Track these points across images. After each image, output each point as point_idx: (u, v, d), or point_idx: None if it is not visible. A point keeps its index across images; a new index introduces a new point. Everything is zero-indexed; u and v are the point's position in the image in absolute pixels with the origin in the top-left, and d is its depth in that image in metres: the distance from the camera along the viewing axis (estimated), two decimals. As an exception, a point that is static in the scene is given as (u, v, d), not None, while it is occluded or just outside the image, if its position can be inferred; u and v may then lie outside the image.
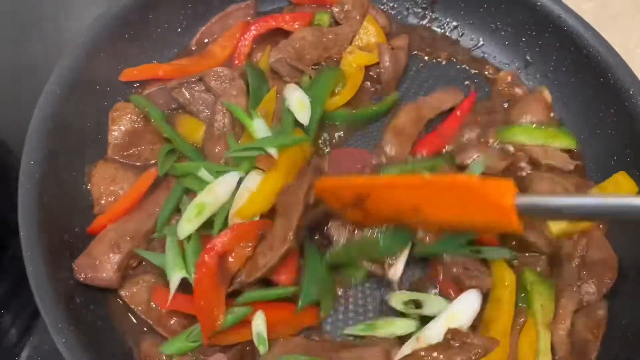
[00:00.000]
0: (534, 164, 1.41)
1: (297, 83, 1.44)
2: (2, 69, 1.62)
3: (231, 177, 1.23)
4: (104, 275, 1.17)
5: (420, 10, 1.68)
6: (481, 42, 1.65)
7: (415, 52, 1.63)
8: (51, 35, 1.67)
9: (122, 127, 1.36)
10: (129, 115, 1.37)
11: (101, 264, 1.17)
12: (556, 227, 1.28)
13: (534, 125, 1.46)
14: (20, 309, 1.30)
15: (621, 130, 1.40)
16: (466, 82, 1.59)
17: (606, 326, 1.22)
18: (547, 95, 1.53)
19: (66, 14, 1.75)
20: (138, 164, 1.35)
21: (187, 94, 1.40)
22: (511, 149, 1.42)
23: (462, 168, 1.38)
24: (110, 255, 1.18)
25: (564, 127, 1.50)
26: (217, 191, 1.21)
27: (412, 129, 1.45)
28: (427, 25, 1.68)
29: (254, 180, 1.23)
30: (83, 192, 1.29)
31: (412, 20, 1.68)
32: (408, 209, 1.03)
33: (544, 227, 1.27)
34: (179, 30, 1.55)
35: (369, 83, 1.55)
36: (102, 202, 1.28)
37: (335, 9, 1.59)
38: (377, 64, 1.53)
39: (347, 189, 1.12)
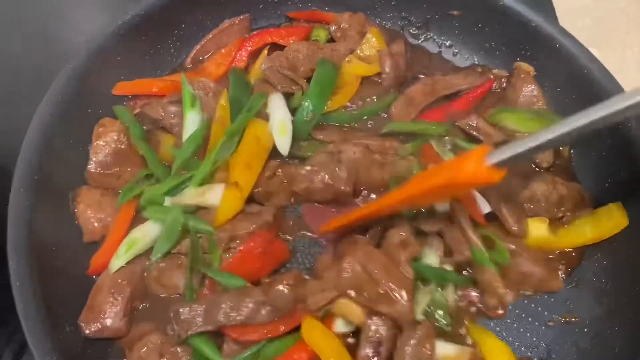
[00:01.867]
0: None
1: (290, 93, 1.43)
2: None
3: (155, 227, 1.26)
4: (110, 324, 1.16)
5: (415, 29, 1.68)
6: (476, 61, 1.64)
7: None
8: (47, 52, 1.67)
9: (105, 144, 1.32)
10: (115, 134, 1.33)
11: (105, 314, 1.16)
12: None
13: (528, 112, 1.47)
14: (13, 334, 1.30)
15: (614, 151, 1.39)
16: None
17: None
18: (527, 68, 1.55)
19: (63, 30, 1.75)
20: (119, 190, 1.33)
21: (159, 109, 1.38)
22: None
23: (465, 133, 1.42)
24: (113, 303, 1.17)
25: (557, 118, 1.46)
26: (147, 228, 1.24)
27: (421, 98, 1.49)
28: (422, 44, 1.68)
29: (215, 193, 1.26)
30: (72, 217, 1.30)
31: (407, 39, 1.68)
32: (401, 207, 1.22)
33: None
34: (172, 50, 1.56)
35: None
36: (91, 230, 1.27)
37: (332, 27, 1.60)
38: (378, 73, 1.53)
39: (350, 221, 1.23)
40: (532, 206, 1.35)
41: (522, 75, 1.54)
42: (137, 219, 1.29)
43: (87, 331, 1.15)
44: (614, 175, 1.39)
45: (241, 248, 1.21)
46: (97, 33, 1.40)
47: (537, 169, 1.44)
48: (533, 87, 1.52)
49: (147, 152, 1.33)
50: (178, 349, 1.16)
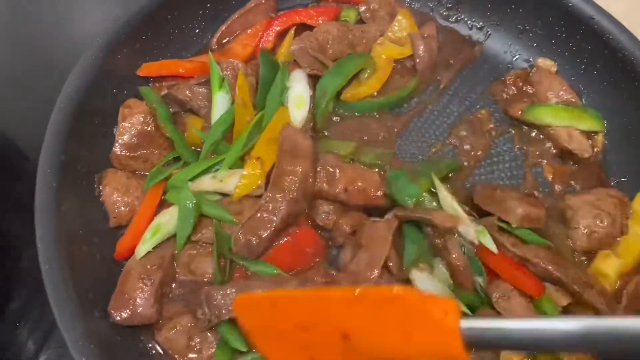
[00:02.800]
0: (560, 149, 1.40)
1: (317, 75, 1.38)
2: (17, 71, 1.59)
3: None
4: (141, 311, 1.11)
5: (444, 10, 1.63)
6: (509, 44, 1.59)
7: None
8: (68, 36, 1.64)
9: (131, 126, 1.27)
10: (141, 115, 1.29)
11: (135, 300, 1.12)
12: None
13: (560, 105, 1.44)
14: (37, 321, 1.27)
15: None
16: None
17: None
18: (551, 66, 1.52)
19: (82, 14, 1.72)
20: (145, 173, 1.29)
21: (186, 91, 1.34)
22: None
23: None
24: (142, 289, 1.13)
25: (590, 109, 1.46)
26: (173, 212, 1.19)
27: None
28: (452, 25, 1.63)
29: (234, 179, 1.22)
30: (99, 201, 1.25)
31: (437, 21, 1.62)
32: (334, 336, 0.84)
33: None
34: (197, 31, 1.51)
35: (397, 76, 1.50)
36: (118, 214, 1.23)
37: (362, 8, 1.55)
38: (410, 56, 1.49)
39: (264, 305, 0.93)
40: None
41: (544, 72, 1.51)
42: (164, 203, 1.25)
43: (118, 318, 1.11)
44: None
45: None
46: (122, 12, 1.35)
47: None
48: (558, 81, 1.49)
49: (175, 134, 1.28)
50: (208, 332, 1.13)
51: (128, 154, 1.28)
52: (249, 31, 1.51)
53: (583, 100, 1.49)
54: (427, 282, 1.14)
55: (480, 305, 1.16)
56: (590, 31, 1.44)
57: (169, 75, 1.39)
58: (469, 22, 1.62)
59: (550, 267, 1.16)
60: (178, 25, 1.46)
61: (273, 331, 0.91)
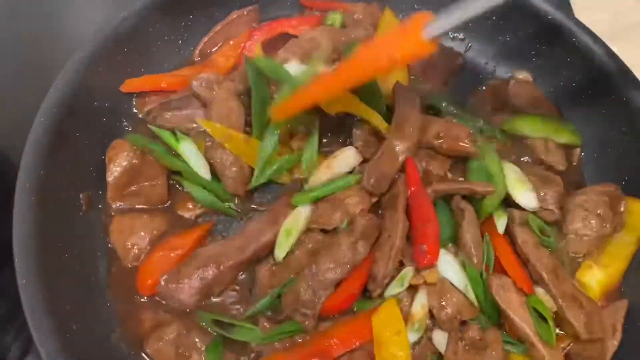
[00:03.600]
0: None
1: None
2: (5, 78, 1.60)
3: (304, 210, 1.25)
4: (181, 298, 1.18)
5: (427, 21, 1.64)
6: (490, 55, 1.61)
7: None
8: (52, 43, 1.64)
9: (119, 167, 1.29)
10: (126, 152, 1.30)
11: (183, 287, 1.18)
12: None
13: (538, 117, 1.45)
14: (20, 330, 1.28)
15: (633, 150, 1.37)
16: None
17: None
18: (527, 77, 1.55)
19: (71, 19, 1.73)
20: (145, 206, 1.31)
21: (170, 117, 1.35)
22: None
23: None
24: (196, 281, 1.18)
25: (568, 123, 1.48)
26: (299, 218, 1.23)
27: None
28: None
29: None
30: (80, 216, 1.27)
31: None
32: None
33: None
34: (180, 42, 1.53)
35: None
36: (132, 255, 1.25)
37: (347, 17, 1.57)
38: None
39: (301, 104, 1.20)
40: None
41: (521, 83, 1.53)
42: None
43: (160, 293, 1.19)
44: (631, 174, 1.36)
45: None
46: (104, 23, 1.37)
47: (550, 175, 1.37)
48: (535, 93, 1.51)
49: (181, 166, 1.30)
50: (196, 339, 1.15)
51: (121, 192, 1.30)
52: (231, 42, 1.52)
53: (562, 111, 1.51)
54: (451, 264, 1.19)
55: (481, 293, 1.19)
56: (569, 45, 1.46)
57: (151, 90, 1.41)
58: (450, 33, 1.64)
59: (544, 274, 1.19)
60: (160, 37, 1.47)
61: None
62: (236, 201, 1.33)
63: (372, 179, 1.26)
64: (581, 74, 1.46)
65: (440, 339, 1.15)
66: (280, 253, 1.20)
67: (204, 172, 1.30)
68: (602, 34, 1.45)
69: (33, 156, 1.18)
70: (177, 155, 1.32)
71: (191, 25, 1.52)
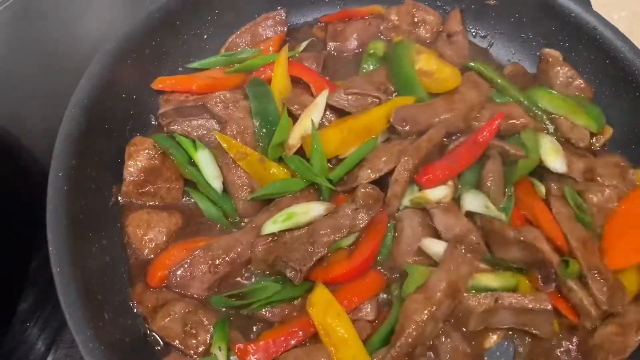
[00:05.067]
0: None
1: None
2: (30, 75, 1.61)
3: (320, 207, 1.23)
4: (193, 289, 1.20)
5: (448, 18, 1.65)
6: (512, 52, 1.62)
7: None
8: (80, 40, 1.65)
9: (138, 163, 1.29)
10: (146, 151, 1.30)
11: (194, 279, 1.19)
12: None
13: (559, 94, 1.45)
14: (47, 321, 1.29)
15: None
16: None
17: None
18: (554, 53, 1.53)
19: (94, 18, 1.74)
20: (157, 203, 1.32)
21: (184, 127, 1.36)
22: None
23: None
24: (206, 274, 1.19)
25: (593, 107, 1.46)
26: (310, 209, 1.22)
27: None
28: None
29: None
30: (110, 207, 1.29)
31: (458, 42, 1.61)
32: None
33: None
34: (206, 37, 1.53)
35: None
36: (148, 249, 1.25)
37: (384, 26, 1.58)
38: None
39: None
40: None
41: (551, 60, 1.51)
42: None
43: (171, 282, 1.20)
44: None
45: None
46: (132, 18, 1.38)
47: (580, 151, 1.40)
48: (566, 68, 1.50)
49: (195, 176, 1.31)
50: (202, 317, 1.16)
51: (137, 190, 1.30)
52: (261, 47, 1.52)
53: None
54: (474, 197, 1.25)
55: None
56: (592, 41, 1.46)
57: (182, 91, 1.41)
58: (472, 30, 1.65)
59: (573, 243, 1.21)
60: (186, 31, 1.48)
61: None
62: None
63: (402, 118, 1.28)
64: (604, 70, 1.46)
65: (436, 247, 1.20)
66: (266, 229, 1.20)
67: (216, 184, 1.29)
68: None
69: (65, 145, 1.18)
70: (195, 165, 1.32)
71: (217, 20, 1.52)
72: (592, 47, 1.47)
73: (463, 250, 1.19)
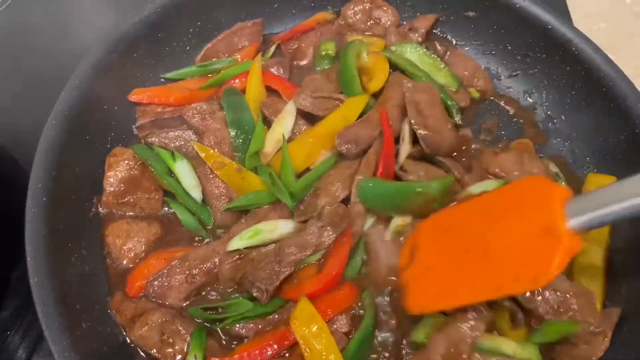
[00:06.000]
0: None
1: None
2: (16, 82, 1.63)
3: (288, 225, 1.25)
4: (170, 299, 1.21)
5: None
6: (488, 63, 1.64)
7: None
8: (63, 50, 1.66)
9: (118, 174, 1.31)
10: (126, 162, 1.33)
11: (171, 289, 1.21)
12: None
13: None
14: (28, 330, 1.30)
15: (632, 156, 1.39)
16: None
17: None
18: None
19: (81, 25, 1.75)
20: (136, 213, 1.33)
21: (160, 138, 1.37)
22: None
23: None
24: (183, 285, 1.21)
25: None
26: (277, 227, 1.24)
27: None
28: (435, 43, 1.66)
29: None
30: (90, 217, 1.31)
31: (415, 38, 1.64)
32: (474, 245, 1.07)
33: None
34: (188, 48, 1.56)
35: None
36: (128, 258, 1.27)
37: (338, 22, 1.62)
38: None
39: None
40: None
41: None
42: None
43: (150, 292, 1.21)
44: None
45: None
46: (113, 28, 1.40)
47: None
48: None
49: (174, 186, 1.32)
50: (179, 327, 1.17)
51: (117, 200, 1.32)
52: (237, 55, 1.54)
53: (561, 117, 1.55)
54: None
55: None
56: (568, 53, 1.48)
57: (159, 103, 1.43)
58: (453, 40, 1.67)
59: None
60: (168, 43, 1.51)
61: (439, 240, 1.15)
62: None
63: (346, 141, 1.29)
64: (580, 82, 1.48)
65: None
66: (232, 245, 1.22)
67: (195, 193, 1.31)
68: (601, 44, 1.48)
69: (45, 156, 1.20)
70: (174, 176, 1.34)
71: (199, 32, 1.55)
72: (568, 58, 1.49)
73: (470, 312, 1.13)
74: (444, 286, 1.10)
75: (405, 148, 1.31)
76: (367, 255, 1.26)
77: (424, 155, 1.34)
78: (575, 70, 1.49)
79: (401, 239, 1.24)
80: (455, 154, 1.40)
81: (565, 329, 1.15)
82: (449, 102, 1.44)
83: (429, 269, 1.14)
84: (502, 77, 1.63)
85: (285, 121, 1.34)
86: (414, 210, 1.24)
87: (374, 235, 1.26)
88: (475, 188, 1.29)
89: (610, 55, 1.46)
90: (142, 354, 1.19)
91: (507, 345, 1.12)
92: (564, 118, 1.54)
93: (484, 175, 1.38)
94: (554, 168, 1.44)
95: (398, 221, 1.24)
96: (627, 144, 1.39)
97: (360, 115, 1.35)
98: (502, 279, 1.00)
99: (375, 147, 1.30)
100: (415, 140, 1.33)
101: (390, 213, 1.26)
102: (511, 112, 1.57)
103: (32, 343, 1.30)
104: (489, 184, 1.32)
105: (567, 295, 1.18)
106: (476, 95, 1.56)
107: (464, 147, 1.41)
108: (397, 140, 1.35)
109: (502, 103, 1.59)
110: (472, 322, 1.10)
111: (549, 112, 1.56)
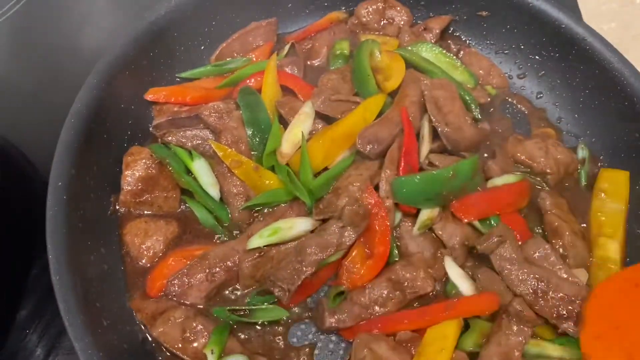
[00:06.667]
0: None
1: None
2: (30, 84, 1.63)
3: (306, 222, 1.25)
4: (190, 298, 1.21)
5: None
6: (500, 63, 1.65)
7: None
8: (80, 49, 1.66)
9: (135, 173, 1.31)
10: (144, 160, 1.33)
11: (192, 288, 1.21)
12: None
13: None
14: (46, 328, 1.31)
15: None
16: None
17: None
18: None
19: (94, 27, 1.74)
20: (154, 212, 1.34)
21: (178, 137, 1.37)
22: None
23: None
24: (204, 283, 1.21)
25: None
26: (295, 224, 1.24)
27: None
28: (448, 42, 1.66)
29: None
30: (108, 215, 1.31)
31: (429, 38, 1.64)
32: None
33: None
34: (203, 47, 1.56)
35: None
36: (143, 257, 1.28)
37: (352, 22, 1.63)
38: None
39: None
40: None
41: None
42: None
43: (169, 293, 1.21)
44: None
45: None
46: (130, 28, 1.40)
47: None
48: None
49: (191, 185, 1.33)
50: (199, 325, 1.17)
51: (134, 199, 1.32)
52: (252, 55, 1.54)
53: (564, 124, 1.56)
54: None
55: None
56: (582, 52, 1.49)
57: (175, 103, 1.43)
58: (464, 39, 1.68)
59: None
60: (184, 42, 1.51)
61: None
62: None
63: (367, 141, 1.28)
64: (594, 81, 1.49)
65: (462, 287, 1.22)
66: (252, 243, 1.22)
67: (213, 191, 1.31)
68: (612, 44, 1.49)
69: (64, 155, 1.20)
70: (191, 175, 1.34)
71: (214, 31, 1.55)
72: (581, 57, 1.50)
73: (513, 320, 1.15)
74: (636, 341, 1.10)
75: (426, 145, 1.32)
76: (398, 250, 1.27)
77: (443, 150, 1.35)
78: (589, 69, 1.49)
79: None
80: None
81: None
82: (467, 97, 1.44)
83: (616, 327, 1.13)
84: (515, 77, 1.64)
85: (304, 124, 1.33)
86: (448, 197, 1.25)
87: (402, 230, 1.28)
88: (498, 180, 1.33)
89: (621, 55, 1.47)
90: (162, 351, 1.19)
91: (553, 348, 1.14)
92: (577, 116, 1.55)
93: (508, 161, 1.40)
94: (583, 152, 1.47)
95: (426, 214, 1.25)
96: (641, 141, 1.40)
97: (379, 115, 1.36)
98: None
99: (399, 143, 1.30)
100: (434, 136, 1.34)
101: (424, 205, 1.26)
102: (525, 111, 1.58)
103: (51, 341, 1.30)
104: (510, 178, 1.34)
105: None
106: (493, 92, 1.57)
107: (487, 142, 1.42)
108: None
109: (515, 102, 1.59)
110: (518, 328, 1.12)
111: (562, 111, 1.57)
